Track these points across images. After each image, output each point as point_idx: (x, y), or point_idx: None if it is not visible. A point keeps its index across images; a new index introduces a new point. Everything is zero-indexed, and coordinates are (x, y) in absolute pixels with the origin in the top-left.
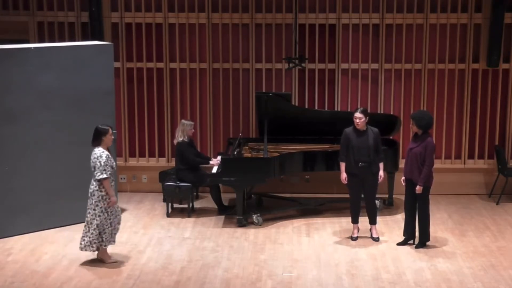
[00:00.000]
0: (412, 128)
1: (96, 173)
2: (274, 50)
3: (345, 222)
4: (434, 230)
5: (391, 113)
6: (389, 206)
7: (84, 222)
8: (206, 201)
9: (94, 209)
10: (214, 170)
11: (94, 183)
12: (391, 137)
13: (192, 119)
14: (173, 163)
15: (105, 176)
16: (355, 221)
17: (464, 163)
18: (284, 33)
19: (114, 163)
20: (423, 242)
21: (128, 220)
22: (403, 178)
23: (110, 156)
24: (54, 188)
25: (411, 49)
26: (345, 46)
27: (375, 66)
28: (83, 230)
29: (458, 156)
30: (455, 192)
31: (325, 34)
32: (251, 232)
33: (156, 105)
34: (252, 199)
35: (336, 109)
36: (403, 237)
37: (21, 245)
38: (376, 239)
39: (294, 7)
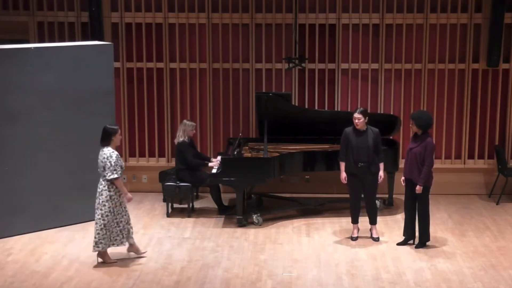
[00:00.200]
0: (412, 128)
1: (107, 173)
2: (274, 50)
3: (345, 222)
4: (434, 230)
5: (391, 113)
6: (389, 206)
7: (82, 222)
8: (206, 201)
9: (101, 209)
10: (214, 170)
11: (103, 182)
12: (391, 137)
13: (192, 119)
14: (173, 163)
15: (116, 176)
16: (355, 221)
17: (464, 163)
18: (284, 33)
19: (123, 163)
20: (423, 242)
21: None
22: (403, 178)
23: (119, 156)
24: (54, 188)
25: (411, 49)
26: (345, 46)
27: (375, 66)
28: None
29: (458, 156)
30: (455, 192)
31: (325, 34)
32: (251, 232)
33: (156, 105)
34: (252, 199)
35: (336, 109)
36: (403, 237)
37: (21, 245)
38: (376, 239)
39: (294, 7)
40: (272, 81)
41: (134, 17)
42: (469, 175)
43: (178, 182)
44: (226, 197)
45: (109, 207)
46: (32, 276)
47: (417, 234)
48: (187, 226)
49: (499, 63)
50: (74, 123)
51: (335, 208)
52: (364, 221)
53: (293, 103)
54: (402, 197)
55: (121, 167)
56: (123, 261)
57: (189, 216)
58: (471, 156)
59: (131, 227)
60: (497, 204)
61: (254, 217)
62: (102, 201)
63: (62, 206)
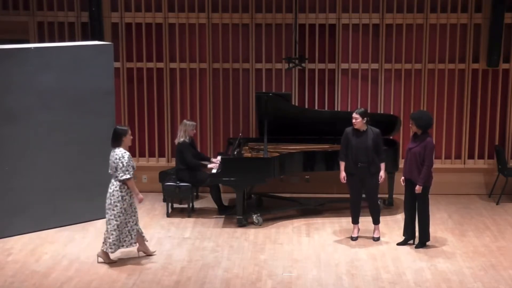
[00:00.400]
0: (412, 128)
1: (119, 174)
2: (274, 50)
3: (345, 222)
4: (434, 230)
5: (391, 113)
6: (389, 206)
7: (82, 222)
8: (206, 201)
9: (113, 210)
10: (214, 170)
11: (115, 183)
12: (391, 137)
13: (192, 119)
14: (173, 163)
15: (128, 176)
16: (355, 221)
17: (464, 163)
18: (284, 33)
19: (134, 163)
20: (423, 242)
21: None
22: (403, 178)
23: (131, 156)
24: (54, 188)
25: (411, 49)
26: (345, 46)
27: (375, 66)
28: (105, 235)
29: (458, 156)
30: (455, 192)
31: (325, 34)
32: (251, 232)
33: (156, 105)
34: (252, 199)
35: (336, 109)
36: (403, 237)
37: (21, 245)
38: (377, 239)
39: (294, 7)
40: (272, 81)
41: (134, 17)
42: (469, 175)
43: (178, 182)
44: (226, 197)
45: (121, 208)
46: (32, 276)
47: (417, 234)
48: (187, 226)
49: (499, 63)
50: (74, 123)
51: (335, 208)
52: (364, 221)
53: (293, 103)
54: (402, 197)
55: (133, 167)
56: (123, 261)
57: (189, 216)
58: (471, 156)
59: (139, 228)
60: (497, 204)
61: (254, 217)
62: (114, 202)
63: (62, 206)
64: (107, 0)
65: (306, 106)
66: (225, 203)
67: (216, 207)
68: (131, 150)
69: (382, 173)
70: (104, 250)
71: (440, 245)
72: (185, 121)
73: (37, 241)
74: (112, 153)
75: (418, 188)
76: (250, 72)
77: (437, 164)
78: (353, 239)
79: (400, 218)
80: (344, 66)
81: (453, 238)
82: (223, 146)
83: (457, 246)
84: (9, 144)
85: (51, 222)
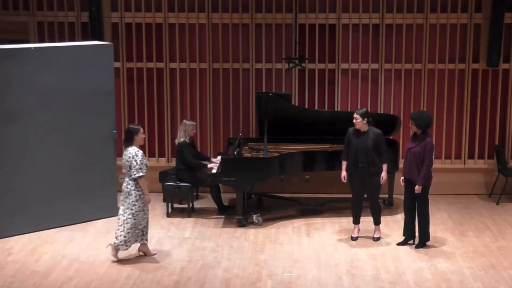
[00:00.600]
0: (411, 128)
1: (133, 172)
2: (274, 50)
3: (345, 222)
4: (434, 230)
5: (391, 113)
6: (389, 206)
7: (82, 222)
8: (206, 201)
9: (131, 209)
10: (214, 170)
11: (131, 182)
12: (391, 137)
13: (192, 119)
14: (173, 163)
15: (141, 174)
16: (355, 221)
17: (464, 163)
18: (284, 33)
19: (148, 162)
20: (423, 242)
21: None
22: (402, 178)
23: (144, 155)
24: (54, 188)
25: (411, 49)
26: (345, 46)
27: (375, 66)
28: (118, 228)
29: (458, 156)
30: (455, 192)
31: (325, 34)
32: (251, 232)
33: (156, 105)
34: (252, 199)
35: (336, 109)
36: (403, 237)
37: (21, 245)
38: (377, 239)
39: (294, 7)
40: (272, 81)
41: (134, 17)
42: (469, 175)
43: (178, 182)
44: (226, 197)
45: (139, 206)
46: (32, 276)
47: (417, 234)
48: (187, 226)
49: (499, 63)
50: (74, 123)
51: (335, 208)
52: (364, 221)
53: (293, 103)
54: (402, 197)
55: (146, 166)
56: (123, 261)
57: (189, 216)
58: (471, 156)
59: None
60: (497, 204)
61: (254, 217)
62: (132, 201)
63: (62, 206)
64: (107, 0)
65: (306, 106)
66: (225, 203)
67: (216, 207)
68: None
69: (383, 174)
70: (116, 245)
71: (440, 245)
72: (184, 121)
73: (37, 241)
74: (125, 152)
75: (417, 188)
76: (250, 72)
77: (437, 164)
78: (353, 239)
79: (400, 218)
80: (344, 66)
81: (453, 238)
82: (223, 146)
83: (457, 246)
84: (9, 144)
85: (51, 222)
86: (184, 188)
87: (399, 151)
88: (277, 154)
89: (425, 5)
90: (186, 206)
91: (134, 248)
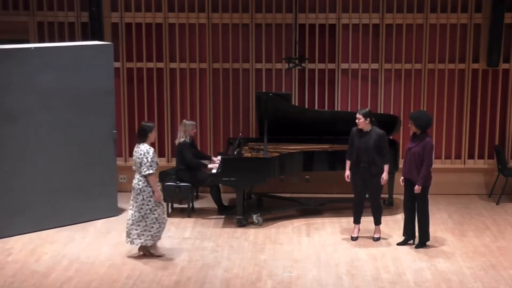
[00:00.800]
0: (411, 127)
1: (143, 169)
2: (274, 50)
3: (345, 222)
4: (434, 230)
5: (391, 113)
6: (389, 206)
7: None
8: (206, 201)
9: (148, 204)
10: (214, 170)
11: (142, 179)
12: (391, 137)
13: (192, 119)
14: (173, 163)
15: (151, 171)
16: (356, 221)
17: (464, 163)
18: (284, 33)
19: (158, 160)
20: (423, 242)
21: None
22: (402, 178)
23: (155, 152)
24: (54, 188)
25: (411, 49)
26: (345, 46)
27: (375, 66)
28: (131, 226)
29: (458, 156)
30: (455, 192)
31: (325, 34)
32: (251, 232)
33: (156, 105)
34: (252, 199)
35: (336, 109)
36: (403, 237)
37: (21, 245)
38: (377, 239)
39: (294, 7)
40: (272, 81)
41: (134, 17)
42: (469, 175)
43: (178, 182)
44: (226, 197)
45: (154, 202)
46: (32, 276)
47: (417, 234)
48: (187, 226)
49: (499, 63)
50: (74, 123)
51: (335, 208)
52: (364, 221)
53: (293, 103)
54: (402, 197)
55: (157, 163)
56: (123, 261)
57: (189, 216)
58: (471, 156)
59: None
60: (497, 204)
61: (254, 217)
62: (147, 197)
63: (62, 206)
64: (107, 0)
65: (306, 106)
66: (225, 203)
67: (216, 207)
68: (131, 150)
69: (384, 175)
70: (145, 244)
71: (440, 245)
72: (184, 121)
73: (37, 241)
74: (136, 149)
75: (417, 188)
76: (250, 72)
77: (437, 164)
78: (353, 239)
79: (400, 218)
80: (344, 66)
81: (453, 238)
82: (223, 146)
83: (457, 246)
84: (9, 144)
85: (51, 222)
86: (184, 188)
87: (399, 151)
88: (277, 154)
89: (425, 5)
90: (186, 206)
91: (134, 249)
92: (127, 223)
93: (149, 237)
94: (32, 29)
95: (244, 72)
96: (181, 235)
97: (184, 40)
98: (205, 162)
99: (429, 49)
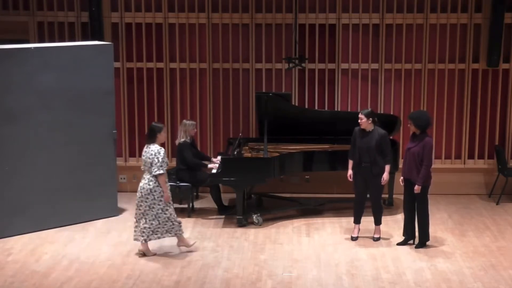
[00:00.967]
0: (410, 128)
1: (154, 169)
2: (274, 50)
3: (345, 222)
4: (434, 230)
5: (391, 113)
6: (389, 206)
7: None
8: (206, 201)
9: (159, 204)
10: (214, 170)
11: (153, 179)
12: (391, 137)
13: (192, 119)
14: (173, 163)
15: (161, 172)
16: (356, 221)
17: (464, 163)
18: (284, 33)
19: (168, 160)
20: (423, 242)
21: (128, 220)
22: (402, 178)
23: (165, 153)
24: (54, 188)
25: (411, 49)
26: (345, 46)
27: (375, 66)
28: (143, 226)
29: (458, 156)
30: (455, 192)
31: (325, 34)
32: (251, 232)
33: (156, 105)
34: (252, 199)
35: (336, 109)
36: (403, 237)
37: (21, 245)
38: (377, 239)
39: (294, 7)
40: (272, 81)
41: (134, 17)
42: (469, 175)
43: (178, 182)
44: (226, 197)
45: (164, 202)
46: (32, 276)
47: (417, 234)
48: (187, 226)
49: (499, 63)
50: (74, 123)
51: (335, 208)
52: (365, 221)
53: (293, 103)
54: (402, 197)
55: (167, 164)
56: (123, 261)
57: (189, 216)
58: (471, 156)
59: None
60: (497, 204)
61: (254, 217)
62: (158, 197)
63: (62, 206)
64: (107, 0)
65: (306, 106)
66: (225, 203)
67: (216, 207)
68: (131, 150)
69: (385, 175)
70: (141, 240)
71: (440, 245)
72: (184, 121)
73: (37, 241)
74: (146, 149)
75: (417, 188)
76: (250, 72)
77: (437, 164)
78: (353, 239)
79: (400, 218)
80: (344, 66)
81: (453, 238)
82: (223, 146)
83: (457, 246)
84: (9, 144)
85: (51, 222)
86: (184, 188)
87: (399, 151)
88: (277, 154)
89: (425, 5)
90: (186, 206)
91: (134, 249)
92: (140, 222)
93: (164, 231)
94: (32, 29)
95: (244, 72)
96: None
97: (184, 40)
98: (205, 162)
99: (429, 49)
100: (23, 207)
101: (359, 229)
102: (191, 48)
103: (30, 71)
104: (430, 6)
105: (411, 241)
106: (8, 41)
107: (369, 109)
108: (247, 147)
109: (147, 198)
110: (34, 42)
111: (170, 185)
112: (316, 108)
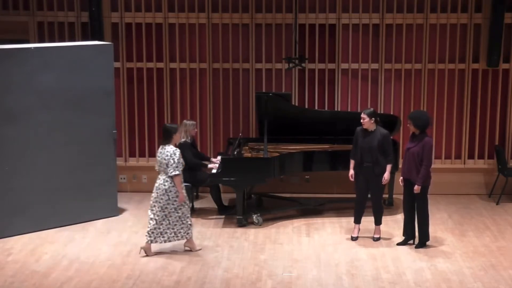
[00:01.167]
0: (410, 128)
1: (169, 170)
2: (274, 50)
3: (345, 222)
4: (434, 230)
5: (391, 113)
6: (389, 206)
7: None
8: (206, 201)
9: (173, 204)
10: (214, 170)
11: (169, 179)
12: (391, 137)
13: (192, 119)
14: None
15: (177, 172)
16: (357, 221)
17: (464, 163)
18: (284, 33)
19: (183, 161)
20: (423, 242)
21: (128, 220)
22: (401, 178)
23: (180, 154)
24: (54, 188)
25: (411, 49)
26: (345, 46)
27: (375, 66)
28: (153, 226)
29: (458, 156)
30: (455, 192)
31: (325, 34)
32: (251, 232)
33: (156, 105)
34: (252, 199)
35: (336, 109)
36: (403, 237)
37: (21, 245)
38: (377, 239)
39: (294, 7)
40: (272, 81)
41: (134, 17)
42: (469, 175)
43: None
44: (226, 197)
45: (179, 202)
46: (32, 276)
47: (417, 234)
48: None
49: (499, 63)
50: (74, 123)
51: (335, 208)
52: (365, 221)
53: (293, 103)
54: (402, 197)
55: (182, 164)
56: (123, 261)
57: None
58: (471, 156)
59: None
60: (497, 204)
61: (254, 217)
62: (172, 197)
63: (62, 206)
64: (107, 0)
65: (306, 106)
66: (225, 203)
67: (216, 207)
68: (131, 150)
69: (386, 175)
70: (168, 241)
71: (440, 245)
72: (185, 121)
73: (37, 241)
74: (161, 150)
75: (416, 188)
76: (250, 72)
77: (437, 164)
78: (353, 239)
79: (400, 218)
80: (344, 66)
81: (453, 238)
82: (223, 146)
83: (457, 246)
84: (9, 144)
85: (51, 222)
86: (184, 188)
87: (399, 151)
88: (277, 154)
89: (425, 5)
90: None
91: (134, 249)
92: (150, 223)
93: (172, 234)
94: (32, 29)
95: (244, 72)
96: None
97: (184, 40)
98: (205, 162)
99: (429, 49)
100: (23, 207)
101: (359, 229)
102: (191, 48)
103: (30, 71)
104: (430, 6)
105: (411, 241)
106: (8, 41)
107: (371, 109)
108: (247, 147)
109: (162, 198)
110: (34, 42)
111: None
112: (316, 108)
